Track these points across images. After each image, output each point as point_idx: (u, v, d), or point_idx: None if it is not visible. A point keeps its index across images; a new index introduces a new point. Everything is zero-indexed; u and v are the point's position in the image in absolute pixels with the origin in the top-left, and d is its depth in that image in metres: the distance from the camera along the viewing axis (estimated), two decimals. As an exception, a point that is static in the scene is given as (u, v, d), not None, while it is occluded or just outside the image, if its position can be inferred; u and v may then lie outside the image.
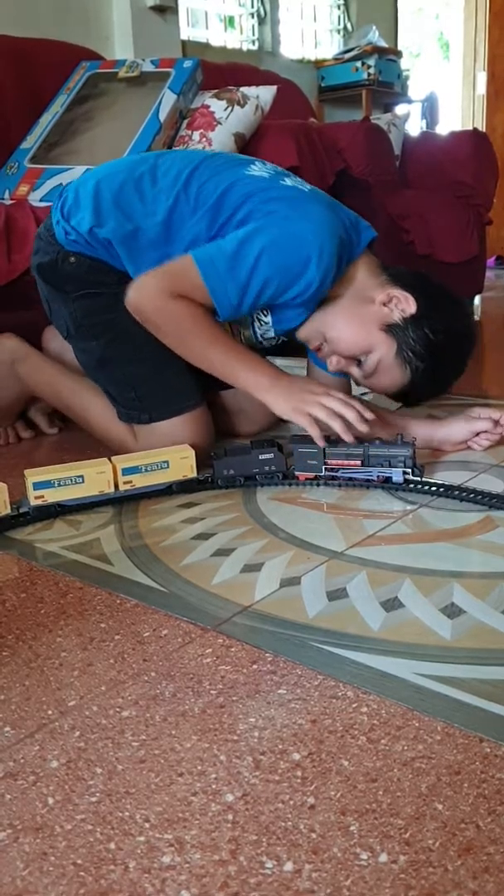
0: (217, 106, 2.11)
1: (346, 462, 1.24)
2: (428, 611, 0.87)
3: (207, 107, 2.11)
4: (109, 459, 1.22)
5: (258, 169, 1.33)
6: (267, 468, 1.27)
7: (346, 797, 0.61)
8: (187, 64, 2.16)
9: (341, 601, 0.90)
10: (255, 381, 1.25)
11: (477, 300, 3.41)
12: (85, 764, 0.66)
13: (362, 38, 3.80)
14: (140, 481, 1.23)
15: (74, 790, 0.63)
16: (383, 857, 0.55)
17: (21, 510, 1.18)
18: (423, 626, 0.84)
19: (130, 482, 1.22)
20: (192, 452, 1.25)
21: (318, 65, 3.83)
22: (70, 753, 0.67)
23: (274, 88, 2.22)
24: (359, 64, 3.70)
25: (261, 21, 3.55)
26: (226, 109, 2.10)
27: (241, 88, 2.16)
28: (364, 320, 1.27)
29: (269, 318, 1.36)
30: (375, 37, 3.81)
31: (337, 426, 1.21)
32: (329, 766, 0.64)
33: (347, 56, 3.76)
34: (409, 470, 1.23)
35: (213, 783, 0.63)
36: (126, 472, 1.21)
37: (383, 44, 3.83)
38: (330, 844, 0.56)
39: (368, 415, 1.22)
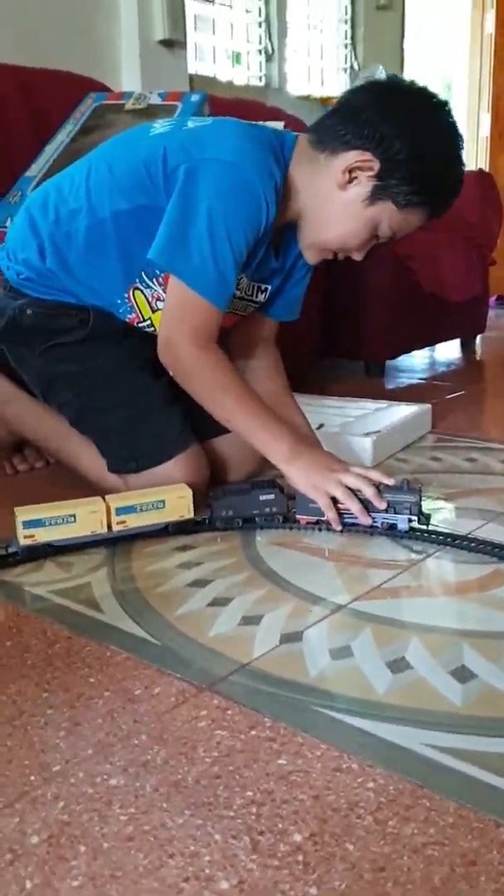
0: (224, 140, 2.09)
1: (345, 504, 1.18)
2: (437, 674, 0.83)
3: (214, 140, 2.09)
4: (103, 498, 1.17)
5: (160, 126, 1.29)
6: (267, 510, 1.22)
7: (352, 888, 0.56)
8: (195, 97, 2.15)
9: (345, 660, 0.85)
10: (276, 450, 1.21)
11: (478, 340, 3.40)
12: (68, 840, 0.60)
13: (369, 77, 3.82)
14: (134, 521, 1.18)
15: (55, 872, 0.57)
16: None
17: (10, 550, 1.13)
18: (432, 690, 0.80)
19: (124, 522, 1.17)
20: (190, 492, 1.21)
21: (325, 102, 3.84)
22: (52, 828, 0.62)
23: (280, 124, 2.20)
24: (365, 102, 3.70)
25: (268, 58, 3.56)
26: (232, 144, 2.08)
27: (249, 123, 2.15)
28: (347, 209, 1.22)
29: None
30: (382, 73, 3.82)
31: (355, 508, 1.17)
32: (333, 851, 0.59)
33: (353, 94, 3.77)
34: (416, 517, 1.18)
35: (206, 867, 0.58)
36: (120, 511, 1.17)
37: (389, 83, 3.84)
38: (335, 946, 0.51)
39: (388, 481, 1.19)
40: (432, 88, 1.25)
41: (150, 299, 1.31)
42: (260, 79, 3.58)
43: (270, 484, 1.24)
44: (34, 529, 1.12)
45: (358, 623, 0.94)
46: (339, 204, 1.22)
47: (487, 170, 4.64)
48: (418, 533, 1.18)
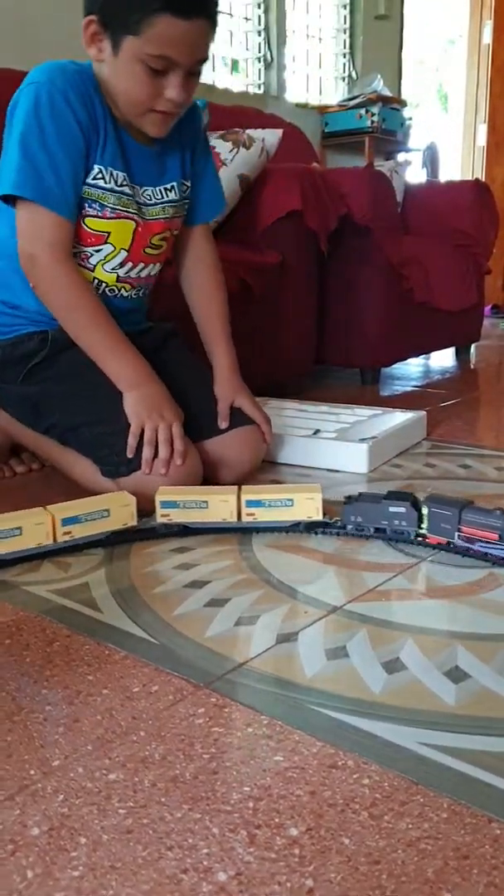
0: (223, 147, 2.11)
1: (482, 532, 1.10)
2: (431, 674, 0.84)
3: (213, 147, 2.11)
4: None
5: None
6: (396, 522, 1.18)
7: (348, 880, 0.57)
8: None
9: (341, 661, 0.87)
10: (119, 374, 1.32)
11: (472, 348, 3.42)
12: (68, 833, 0.61)
13: (367, 86, 3.85)
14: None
15: (56, 862, 0.58)
16: None
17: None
18: (427, 690, 0.81)
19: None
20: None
21: (323, 110, 3.87)
22: (53, 820, 0.63)
23: (279, 132, 2.23)
24: (363, 111, 3.74)
25: (267, 66, 3.59)
26: (231, 151, 2.10)
27: (248, 130, 2.17)
28: (113, 71, 1.27)
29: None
30: (380, 86, 3.85)
31: (146, 453, 1.28)
32: (329, 845, 0.60)
33: (352, 103, 3.81)
34: None
35: (204, 859, 0.59)
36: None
37: (387, 93, 3.87)
38: (330, 935, 0.52)
39: (177, 461, 1.28)
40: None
41: None
42: (259, 86, 3.61)
43: (403, 497, 1.19)
44: None
45: (353, 624, 0.95)
46: (109, 72, 1.29)
47: (484, 179, 4.68)
48: (419, 539, 1.19)
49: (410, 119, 4.11)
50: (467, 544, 1.12)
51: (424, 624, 0.96)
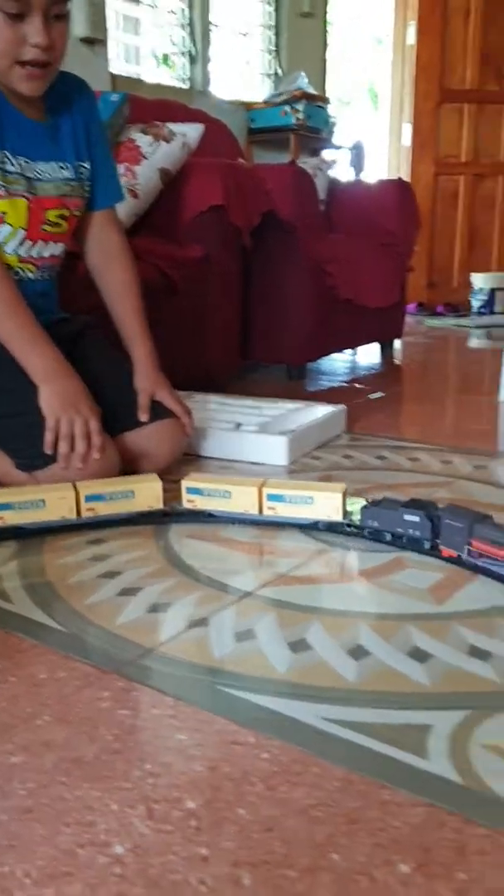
0: (143, 140, 2.12)
1: (491, 549, 1.05)
2: (335, 653, 0.86)
3: (133, 141, 2.12)
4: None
5: None
6: (410, 531, 1.15)
7: (241, 848, 0.59)
8: (114, 98, 2.17)
9: (249, 643, 0.89)
10: (34, 365, 1.32)
11: (398, 344, 3.49)
12: (-33, 815, 0.62)
13: (291, 83, 3.89)
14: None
15: (-47, 844, 0.59)
16: (275, 912, 0.53)
17: None
18: (329, 668, 0.83)
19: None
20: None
21: (249, 107, 3.89)
22: (-48, 804, 0.63)
23: (201, 126, 2.24)
24: (288, 108, 3.77)
25: (192, 60, 3.60)
26: (152, 144, 2.11)
27: (168, 125, 2.18)
28: None
29: None
30: (304, 83, 3.89)
31: (62, 448, 1.29)
32: (225, 815, 0.62)
33: (277, 100, 3.84)
34: None
35: (101, 834, 0.60)
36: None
37: (312, 90, 3.92)
38: (220, 899, 0.54)
39: (95, 455, 1.30)
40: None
41: None
42: (184, 81, 3.61)
43: (421, 506, 1.16)
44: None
45: (263, 608, 0.97)
46: None
47: (409, 179, 4.77)
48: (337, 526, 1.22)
49: (335, 117, 4.17)
50: (475, 560, 1.07)
51: (332, 606, 0.98)
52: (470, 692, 0.79)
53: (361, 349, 3.40)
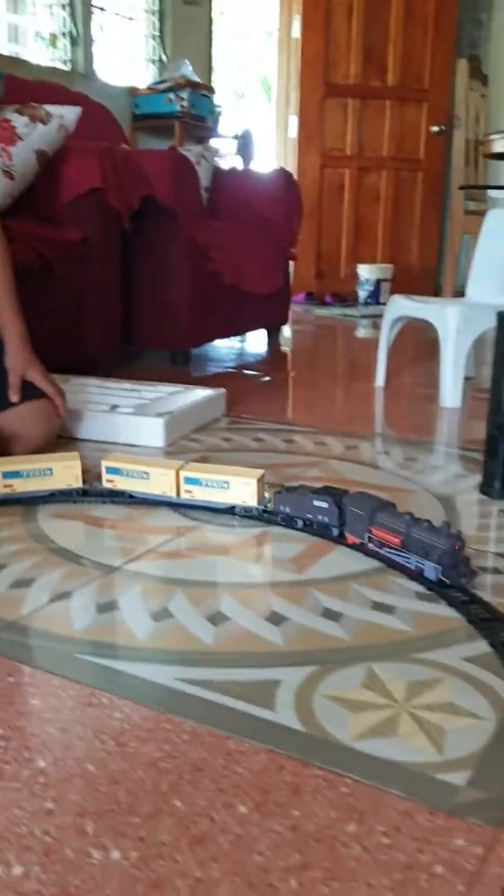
0: (19, 121, 2.08)
1: (388, 536, 1.05)
2: (195, 620, 0.89)
3: (9, 121, 2.08)
4: None
5: None
6: (320, 517, 1.15)
7: (87, 800, 0.61)
8: (-10, 77, 2.12)
9: (111, 613, 0.90)
10: (21, 327, 1.44)
11: (286, 332, 3.55)
12: None
13: (175, 70, 3.89)
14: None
15: None
16: (115, 854, 0.56)
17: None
18: (188, 634, 0.86)
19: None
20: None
21: (134, 92, 3.87)
22: None
23: (78, 109, 2.22)
24: (172, 95, 3.77)
25: (73, 42, 3.55)
26: (28, 125, 2.08)
27: (45, 106, 2.15)
28: None
29: None
30: (188, 71, 3.90)
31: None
32: (73, 772, 0.64)
33: (161, 87, 3.83)
34: (442, 568, 0.98)
35: (-50, 796, 0.61)
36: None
37: (196, 79, 3.93)
38: (63, 846, 0.56)
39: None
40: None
41: None
42: (66, 63, 3.56)
43: (328, 492, 1.17)
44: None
45: (128, 582, 0.99)
46: None
47: (296, 171, 4.84)
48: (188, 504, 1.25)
49: (220, 107, 4.19)
50: (376, 549, 1.07)
51: (196, 578, 1.01)
52: (319, 649, 0.83)
53: (250, 337, 3.44)
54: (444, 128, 4.79)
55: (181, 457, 1.56)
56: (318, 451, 1.64)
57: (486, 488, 1.33)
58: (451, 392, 2.03)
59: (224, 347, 3.21)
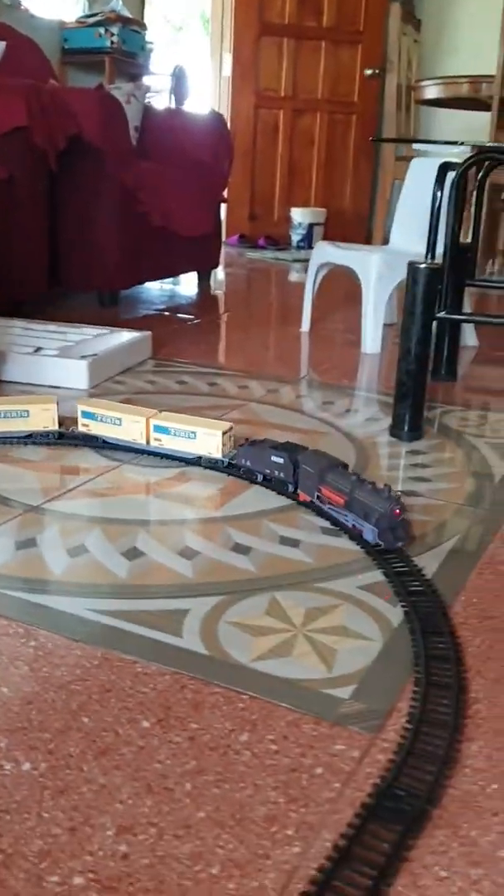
0: None
1: (333, 495, 1.05)
2: (111, 555, 0.94)
3: None
4: None
5: None
6: (277, 472, 1.16)
7: (0, 720, 0.65)
8: None
9: (29, 550, 0.94)
10: None
11: (220, 274, 3.55)
12: None
13: (106, 4, 3.78)
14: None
15: None
16: (26, 766, 0.60)
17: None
18: (103, 568, 0.90)
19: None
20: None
21: (62, 26, 3.76)
22: None
23: (3, 43, 2.17)
24: (102, 30, 3.67)
25: (-1, -29, 3.41)
26: None
27: (-34, 39, 2.09)
28: None
29: None
30: (119, 5, 3.79)
31: None
32: (-12, 695, 0.68)
33: (90, 21, 3.72)
34: (378, 531, 0.98)
35: None
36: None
37: (127, 13, 3.82)
38: (-25, 760, 0.61)
39: None
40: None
41: None
42: (-10, -8, 3.42)
43: (286, 448, 1.16)
44: None
45: (48, 521, 1.03)
46: None
47: (230, 110, 4.78)
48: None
49: (152, 43, 4.09)
50: (323, 506, 1.08)
51: (114, 516, 1.05)
52: (227, 581, 0.89)
53: (183, 280, 3.43)
54: (377, 71, 4.76)
55: (105, 399, 1.58)
56: (241, 394, 1.68)
57: (395, 431, 1.39)
58: (371, 338, 2.09)
59: (155, 290, 3.21)
